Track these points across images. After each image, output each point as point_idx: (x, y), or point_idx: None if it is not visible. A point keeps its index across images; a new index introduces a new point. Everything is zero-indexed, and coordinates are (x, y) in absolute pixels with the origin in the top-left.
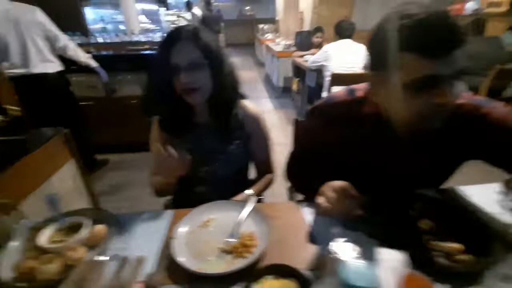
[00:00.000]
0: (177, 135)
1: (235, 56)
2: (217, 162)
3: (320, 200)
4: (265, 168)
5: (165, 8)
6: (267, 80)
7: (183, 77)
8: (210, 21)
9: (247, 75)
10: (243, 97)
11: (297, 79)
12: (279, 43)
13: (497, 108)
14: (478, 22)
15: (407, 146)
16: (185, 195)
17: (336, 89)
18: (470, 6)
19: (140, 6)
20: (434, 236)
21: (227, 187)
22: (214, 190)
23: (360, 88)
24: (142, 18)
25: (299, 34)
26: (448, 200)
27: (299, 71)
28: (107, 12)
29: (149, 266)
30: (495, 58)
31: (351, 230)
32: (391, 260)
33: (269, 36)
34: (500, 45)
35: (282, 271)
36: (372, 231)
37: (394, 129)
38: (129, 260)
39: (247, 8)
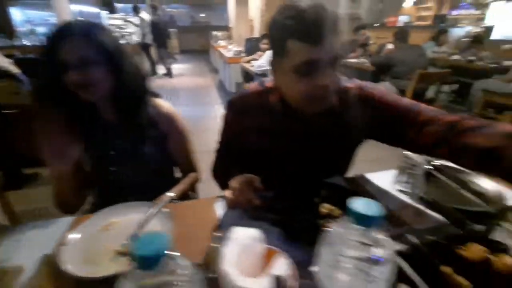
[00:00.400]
0: (83, 134)
1: (190, 62)
2: (130, 163)
3: (226, 193)
4: (188, 167)
5: (108, 12)
6: (221, 86)
7: (72, 74)
8: (158, 26)
9: (201, 81)
10: (155, 95)
11: (247, 84)
12: (231, 50)
13: (377, 89)
14: (403, 31)
15: (309, 130)
16: (104, 201)
17: None
18: (402, 19)
19: (77, 7)
20: (333, 220)
21: (150, 190)
22: (135, 194)
23: (270, 79)
24: None
25: (248, 40)
26: (352, 186)
27: (248, 76)
28: (38, 13)
29: (27, 276)
30: (418, 63)
31: (256, 219)
32: (245, 238)
33: (222, 43)
34: (422, 52)
35: None
36: (275, 219)
37: (296, 114)
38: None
39: (202, 15)
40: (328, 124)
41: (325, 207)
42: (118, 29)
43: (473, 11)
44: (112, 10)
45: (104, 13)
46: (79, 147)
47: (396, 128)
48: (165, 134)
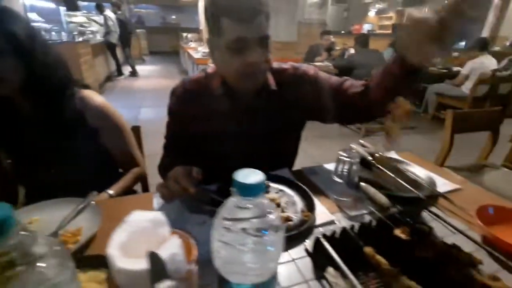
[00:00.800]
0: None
1: (159, 64)
2: (58, 161)
3: (158, 186)
4: (128, 163)
5: (67, 8)
6: None
7: None
8: (124, 25)
9: (169, 83)
10: (85, 86)
11: None
12: (200, 51)
13: (310, 67)
14: (363, 37)
15: (250, 110)
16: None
17: None
18: (366, 27)
19: (29, 1)
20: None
21: (89, 187)
22: (72, 192)
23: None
24: (33, 16)
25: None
26: (299, 178)
27: None
28: None
29: None
30: (377, 67)
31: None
32: (142, 221)
33: (192, 44)
34: (380, 56)
35: (97, 262)
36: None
37: (236, 95)
38: None
39: (173, 17)
40: (268, 103)
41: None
42: (80, 27)
43: None
44: (73, 7)
45: (63, 10)
46: None
47: (329, 102)
48: (96, 129)
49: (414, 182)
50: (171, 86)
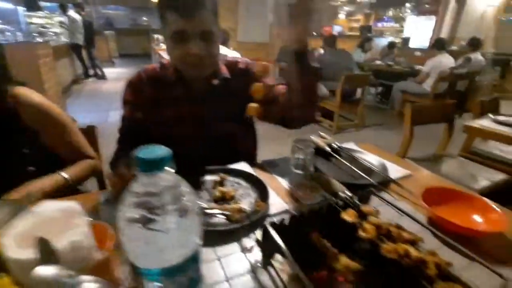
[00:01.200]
0: None
1: (129, 66)
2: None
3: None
4: (80, 159)
5: (27, 9)
6: None
7: None
8: (89, 26)
9: None
10: (20, 83)
11: None
12: None
13: (253, 63)
14: (331, 37)
15: (203, 97)
16: None
17: None
18: (336, 28)
19: None
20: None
21: None
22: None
23: None
24: None
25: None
26: (255, 170)
27: None
28: None
29: None
30: (344, 66)
31: None
32: (51, 211)
33: (163, 46)
34: (349, 56)
35: None
36: None
37: (189, 83)
38: None
39: (144, 18)
40: (220, 90)
41: (219, 191)
42: (41, 28)
43: (393, 24)
44: (34, 7)
45: (22, 10)
46: None
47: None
48: (35, 129)
49: (368, 170)
50: None
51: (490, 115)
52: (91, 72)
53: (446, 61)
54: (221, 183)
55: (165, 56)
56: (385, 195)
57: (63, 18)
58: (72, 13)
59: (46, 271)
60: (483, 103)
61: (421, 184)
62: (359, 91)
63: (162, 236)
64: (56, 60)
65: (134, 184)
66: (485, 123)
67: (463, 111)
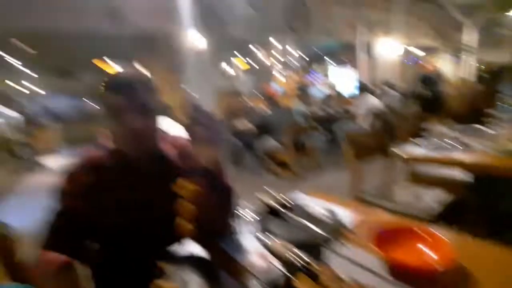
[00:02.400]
0: None
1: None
2: None
3: None
4: None
5: None
6: None
7: None
8: None
9: None
10: None
11: None
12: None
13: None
14: (273, 96)
15: (141, 176)
16: None
17: None
18: (275, 87)
19: None
20: None
21: None
22: None
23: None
24: None
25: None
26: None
27: None
28: None
29: None
30: (288, 120)
31: None
32: None
33: None
34: (292, 111)
35: None
36: None
37: (129, 161)
38: None
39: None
40: (162, 169)
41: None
42: None
43: (322, 78)
44: None
45: None
46: None
47: None
48: None
49: (319, 222)
50: None
51: (414, 141)
52: None
53: (372, 100)
54: (161, 274)
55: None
56: (340, 248)
57: None
58: None
59: None
60: (408, 131)
61: (374, 225)
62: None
63: None
64: None
65: None
66: (415, 150)
67: (397, 141)
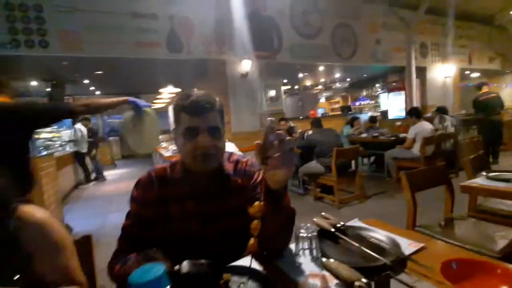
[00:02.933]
0: None
1: (131, 166)
2: None
3: None
4: (63, 282)
5: None
6: None
7: None
8: (93, 135)
9: None
10: (28, 201)
11: None
12: (170, 149)
13: (253, 163)
14: (316, 119)
15: (208, 192)
16: None
17: None
18: (320, 111)
19: None
20: None
21: None
22: None
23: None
24: None
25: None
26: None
27: None
28: None
29: None
30: (334, 142)
31: None
32: None
33: (163, 144)
34: (335, 133)
35: None
36: None
37: (195, 178)
38: None
39: None
40: (224, 187)
41: None
42: (48, 142)
43: (369, 101)
44: None
45: None
46: None
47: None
48: (31, 254)
49: (379, 249)
50: None
51: (484, 173)
52: (92, 176)
53: (426, 126)
54: (226, 284)
55: (165, 153)
56: (403, 276)
57: (68, 131)
58: (79, 125)
59: None
60: (472, 160)
61: (437, 256)
62: (353, 163)
63: None
64: (59, 169)
65: None
66: (480, 181)
67: (457, 170)
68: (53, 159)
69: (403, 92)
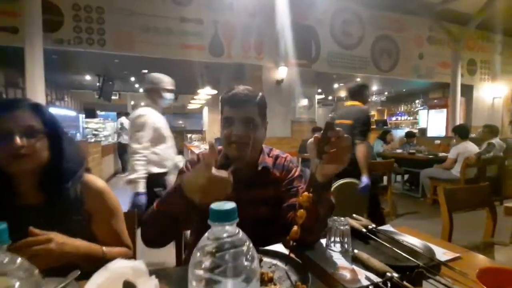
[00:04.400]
0: None
1: None
2: None
3: None
4: (115, 244)
5: (85, 116)
6: None
7: (17, 142)
8: None
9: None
10: (88, 170)
11: None
12: (201, 148)
13: (295, 164)
14: None
15: (245, 181)
16: None
17: None
18: None
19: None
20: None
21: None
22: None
23: None
24: None
25: (217, 139)
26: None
27: None
28: None
29: None
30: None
31: None
32: (120, 267)
33: (195, 143)
34: (370, 146)
35: None
36: None
37: (230, 164)
38: None
39: (179, 122)
40: (261, 178)
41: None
42: (94, 131)
43: (407, 117)
44: (91, 115)
45: (82, 117)
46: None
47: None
48: (91, 214)
49: (412, 252)
50: (173, 180)
51: None
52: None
53: (471, 147)
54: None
55: (195, 150)
56: (436, 278)
57: (112, 123)
58: (122, 119)
59: None
60: None
61: (474, 266)
62: (385, 179)
63: None
64: (103, 156)
65: (205, 241)
66: None
67: (502, 198)
68: (99, 146)
69: (445, 110)
